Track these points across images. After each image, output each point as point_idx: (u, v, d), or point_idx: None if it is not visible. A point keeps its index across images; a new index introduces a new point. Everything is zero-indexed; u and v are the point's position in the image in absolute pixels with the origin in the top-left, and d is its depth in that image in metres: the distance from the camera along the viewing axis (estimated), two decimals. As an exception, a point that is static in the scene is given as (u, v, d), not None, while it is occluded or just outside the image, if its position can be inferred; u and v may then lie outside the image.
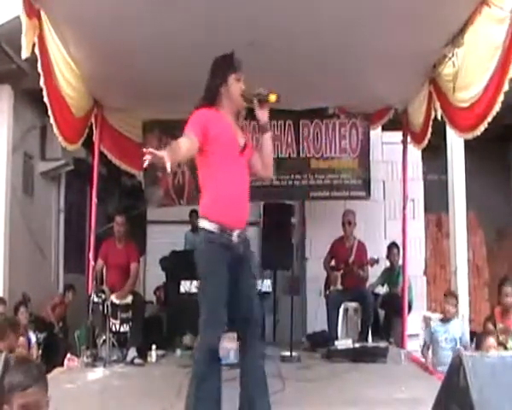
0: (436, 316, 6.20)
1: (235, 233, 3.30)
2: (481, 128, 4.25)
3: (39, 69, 4.22)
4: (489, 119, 4.10)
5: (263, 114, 3.43)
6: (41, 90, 4.34)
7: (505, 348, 5.12)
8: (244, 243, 3.39)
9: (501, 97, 3.90)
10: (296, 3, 4.22)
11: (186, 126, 3.28)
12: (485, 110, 4.11)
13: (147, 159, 2.83)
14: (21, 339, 5.79)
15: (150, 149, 2.86)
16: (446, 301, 5.84)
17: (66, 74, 4.88)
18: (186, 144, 3.14)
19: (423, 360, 5.81)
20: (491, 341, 5.10)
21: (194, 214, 8.57)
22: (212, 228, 3.26)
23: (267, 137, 3.50)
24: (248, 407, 3.41)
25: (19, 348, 5.53)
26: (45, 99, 4.41)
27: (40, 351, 6.26)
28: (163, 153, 2.87)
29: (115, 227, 6.52)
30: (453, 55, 4.59)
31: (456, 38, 4.52)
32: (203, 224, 3.30)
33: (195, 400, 3.30)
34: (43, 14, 4.14)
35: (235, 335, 5.74)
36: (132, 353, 5.82)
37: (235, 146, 3.36)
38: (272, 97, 3.39)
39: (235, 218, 3.31)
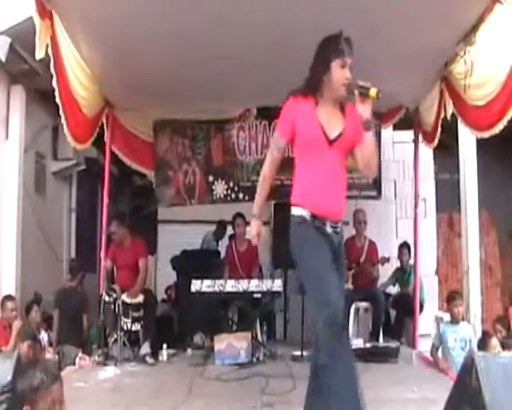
0: (447, 316, 6.16)
1: (328, 223, 3.11)
2: (499, 126, 4.21)
3: (52, 70, 4.25)
4: (508, 116, 4.05)
5: (363, 110, 3.05)
6: (53, 90, 4.37)
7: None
8: (337, 236, 3.16)
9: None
10: (308, 2, 4.21)
11: (278, 120, 3.25)
12: (503, 108, 4.06)
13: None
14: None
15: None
16: (453, 305, 5.78)
17: (78, 74, 4.91)
18: (267, 179, 3.44)
19: (437, 361, 5.75)
20: (495, 341, 5.07)
21: (220, 226, 8.60)
22: (303, 213, 3.13)
23: (367, 137, 3.11)
24: None
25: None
26: (57, 99, 4.44)
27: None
28: (253, 223, 3.47)
29: (113, 237, 6.47)
30: (465, 53, 4.56)
31: (468, 36, 4.50)
32: (294, 211, 3.19)
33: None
34: (54, 15, 4.16)
35: (244, 334, 5.81)
36: (146, 348, 5.83)
37: (319, 142, 3.11)
38: (373, 92, 3.04)
39: (325, 209, 3.10)
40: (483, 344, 5.13)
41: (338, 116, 3.19)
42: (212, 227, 8.74)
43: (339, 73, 3.10)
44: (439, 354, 5.73)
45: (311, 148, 3.14)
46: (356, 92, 3.06)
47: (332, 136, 3.12)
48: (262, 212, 3.42)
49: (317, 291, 2.98)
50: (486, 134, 4.50)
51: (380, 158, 7.28)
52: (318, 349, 2.97)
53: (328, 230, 3.11)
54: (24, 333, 5.68)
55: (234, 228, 7.19)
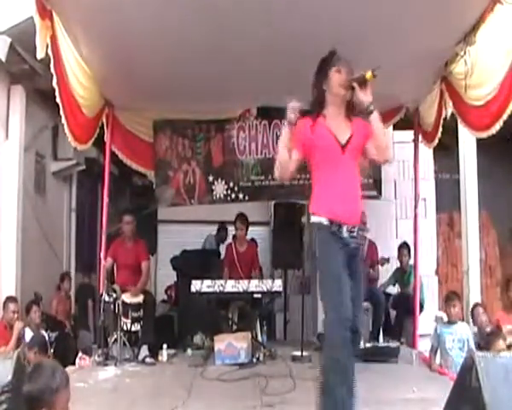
0: (445, 316, 6.15)
1: (345, 228, 3.24)
2: (497, 127, 4.20)
3: (52, 70, 4.24)
4: (504, 117, 4.06)
5: (364, 95, 3.30)
6: (53, 90, 4.36)
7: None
8: (355, 240, 3.29)
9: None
10: (307, 2, 4.21)
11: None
12: (500, 108, 4.06)
13: None
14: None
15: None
16: (448, 305, 5.77)
17: (78, 75, 4.91)
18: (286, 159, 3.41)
19: (431, 362, 5.72)
20: (501, 343, 5.06)
21: (222, 230, 8.63)
22: (321, 220, 3.26)
23: (374, 119, 3.33)
24: None
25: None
26: (57, 99, 4.43)
27: (52, 350, 6.30)
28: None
29: (124, 226, 6.53)
30: (465, 53, 4.56)
31: (468, 36, 4.50)
32: (313, 219, 3.33)
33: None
34: (54, 15, 4.16)
35: (244, 334, 5.82)
36: (144, 351, 5.84)
37: (333, 149, 3.32)
38: (368, 75, 3.26)
39: (341, 215, 3.25)
40: (489, 343, 5.12)
41: (346, 124, 3.39)
42: (212, 227, 8.75)
43: (336, 78, 3.34)
44: (438, 354, 5.73)
45: (326, 156, 3.32)
46: (354, 85, 3.28)
47: (343, 141, 3.32)
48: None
49: (330, 297, 3.19)
50: (484, 134, 4.49)
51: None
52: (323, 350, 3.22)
53: (345, 234, 3.24)
54: (32, 341, 5.69)
55: (236, 228, 7.19)
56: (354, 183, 3.36)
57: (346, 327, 3.05)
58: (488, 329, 6.12)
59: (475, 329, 6.68)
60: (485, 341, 5.39)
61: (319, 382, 3.12)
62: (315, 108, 3.41)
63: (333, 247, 3.22)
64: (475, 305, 6.72)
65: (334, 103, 3.39)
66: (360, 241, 3.37)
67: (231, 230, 7.63)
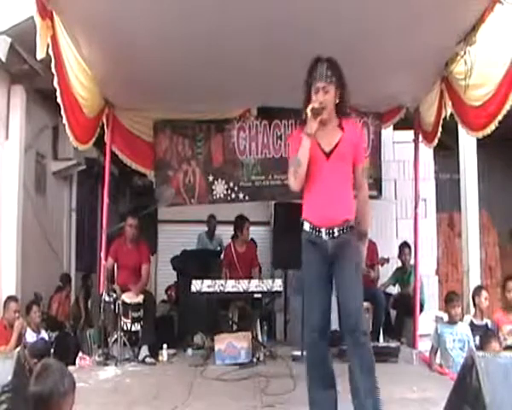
0: (446, 316, 6.15)
1: (324, 231, 3.47)
2: (492, 127, 4.21)
3: (53, 70, 4.23)
4: (499, 117, 4.06)
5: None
6: (53, 90, 4.35)
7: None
8: (334, 240, 3.46)
9: (513, 96, 3.87)
10: (307, 2, 4.21)
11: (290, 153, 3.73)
12: (497, 108, 4.07)
13: None
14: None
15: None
16: (450, 306, 5.77)
17: (79, 75, 4.91)
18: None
19: (431, 362, 5.71)
20: (496, 345, 5.06)
21: (212, 219, 8.65)
22: (305, 227, 3.57)
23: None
24: None
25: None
26: (58, 99, 4.42)
27: (52, 350, 6.30)
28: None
29: (127, 229, 6.52)
30: (465, 53, 4.56)
31: (468, 36, 4.50)
32: (303, 225, 3.61)
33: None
34: (55, 15, 4.16)
35: (245, 334, 5.82)
36: (144, 351, 5.84)
37: (317, 157, 3.49)
38: (309, 109, 3.47)
39: (321, 217, 3.49)
40: (484, 343, 5.13)
41: (334, 132, 3.55)
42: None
43: (314, 98, 3.48)
44: (438, 354, 5.73)
45: (311, 164, 3.48)
46: (309, 113, 3.46)
47: (327, 149, 3.50)
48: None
49: (306, 312, 3.59)
50: (480, 134, 4.50)
51: (380, 158, 7.29)
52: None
53: (324, 237, 3.48)
54: (34, 349, 5.69)
55: (236, 230, 7.18)
56: (339, 187, 3.50)
57: (314, 332, 3.45)
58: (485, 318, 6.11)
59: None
60: (482, 338, 5.40)
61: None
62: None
63: (310, 257, 3.55)
64: (478, 287, 6.48)
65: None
66: (345, 236, 3.47)
67: (229, 229, 7.61)
